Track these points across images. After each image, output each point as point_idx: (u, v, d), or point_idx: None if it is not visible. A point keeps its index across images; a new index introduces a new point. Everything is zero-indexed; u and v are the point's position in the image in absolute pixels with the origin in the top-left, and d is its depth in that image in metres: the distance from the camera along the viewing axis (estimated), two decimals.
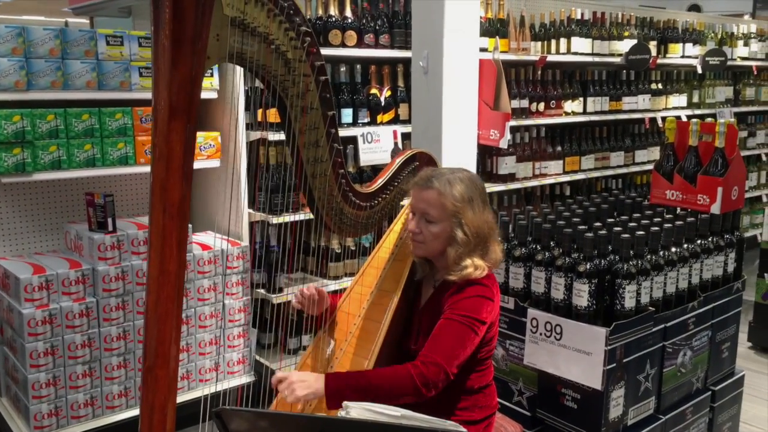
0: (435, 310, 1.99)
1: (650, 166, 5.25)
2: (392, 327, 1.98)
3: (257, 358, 3.54)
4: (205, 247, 3.26)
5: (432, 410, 1.98)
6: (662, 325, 2.36)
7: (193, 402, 3.25)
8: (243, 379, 3.44)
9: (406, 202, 2.29)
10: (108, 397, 3.04)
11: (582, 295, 2.20)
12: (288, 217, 3.41)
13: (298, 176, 1.86)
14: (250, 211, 3.50)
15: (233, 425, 1.28)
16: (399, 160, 2.14)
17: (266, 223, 3.43)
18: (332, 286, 3.61)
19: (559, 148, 4.62)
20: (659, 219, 2.48)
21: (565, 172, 4.67)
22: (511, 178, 4.29)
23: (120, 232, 3.02)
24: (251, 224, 3.52)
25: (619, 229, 2.29)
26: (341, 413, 1.33)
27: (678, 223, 2.42)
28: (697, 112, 5.62)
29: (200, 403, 3.30)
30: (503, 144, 3.08)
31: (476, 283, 1.91)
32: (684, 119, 5.46)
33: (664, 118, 5.34)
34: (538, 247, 2.38)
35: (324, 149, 1.84)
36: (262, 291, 3.49)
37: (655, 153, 5.31)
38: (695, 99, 5.68)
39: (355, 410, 1.31)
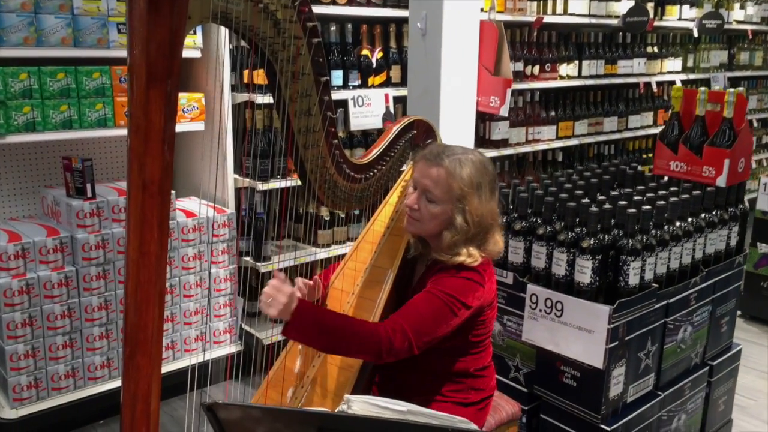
0: (424, 286, 1.90)
1: (643, 132, 5.19)
2: (387, 306, 1.88)
3: (244, 327, 3.45)
4: (189, 214, 3.14)
5: (429, 392, 1.92)
6: (665, 302, 2.29)
7: (179, 372, 3.17)
8: (230, 348, 3.36)
9: (404, 170, 2.19)
10: (90, 368, 2.95)
11: (585, 272, 2.12)
12: (276, 184, 3.29)
13: (289, 147, 1.74)
14: (236, 176, 3.37)
15: (226, 420, 1.19)
16: (396, 129, 2.02)
17: (253, 190, 3.31)
18: (322, 254, 3.51)
19: (552, 113, 4.51)
20: (664, 192, 2.39)
21: (558, 138, 4.56)
22: (503, 143, 4.18)
23: (99, 199, 2.88)
24: (237, 190, 3.39)
25: (624, 203, 2.20)
26: (342, 407, 1.24)
27: (684, 196, 2.33)
28: (692, 76, 5.52)
29: (186, 373, 3.24)
30: (504, 112, 2.96)
31: (467, 268, 1.81)
32: (678, 84, 5.37)
33: (659, 83, 5.24)
34: (539, 221, 2.28)
35: (316, 118, 1.72)
36: (249, 259, 3.38)
37: (648, 118, 5.22)
38: (690, 63, 5.57)
39: (357, 404, 1.22)
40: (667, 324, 2.32)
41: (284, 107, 1.66)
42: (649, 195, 2.31)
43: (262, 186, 3.25)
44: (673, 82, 5.36)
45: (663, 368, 2.36)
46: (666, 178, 2.68)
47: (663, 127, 2.60)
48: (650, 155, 5.45)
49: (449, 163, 1.79)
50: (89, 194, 2.86)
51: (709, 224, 2.42)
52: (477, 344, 1.92)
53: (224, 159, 3.28)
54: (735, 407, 2.99)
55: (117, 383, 3.00)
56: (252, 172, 3.28)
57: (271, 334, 3.39)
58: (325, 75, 1.69)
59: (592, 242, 2.10)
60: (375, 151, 1.97)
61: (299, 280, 1.92)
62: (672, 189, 2.43)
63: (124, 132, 3.06)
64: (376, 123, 3.54)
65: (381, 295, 1.88)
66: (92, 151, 3.29)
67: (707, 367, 2.59)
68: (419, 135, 2.06)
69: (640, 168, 2.75)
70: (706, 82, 5.65)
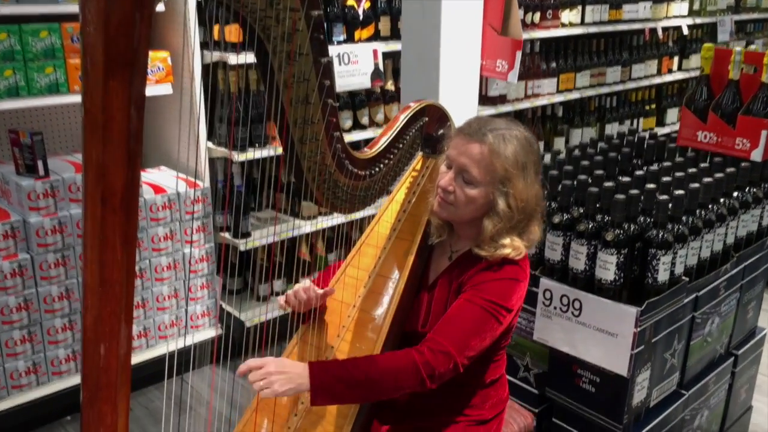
0: (450, 287, 1.64)
1: (647, 82, 4.88)
2: (396, 320, 1.61)
3: (225, 307, 3.18)
4: (158, 189, 2.82)
5: (439, 410, 1.68)
6: (693, 295, 2.04)
7: (154, 361, 2.92)
8: (208, 332, 3.10)
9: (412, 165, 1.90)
10: (54, 363, 2.68)
11: (608, 268, 1.85)
12: (255, 153, 2.96)
13: (283, 142, 1.44)
14: (210, 145, 3.04)
15: None
16: (404, 116, 1.71)
17: (229, 161, 2.99)
18: (307, 227, 3.22)
19: (553, 65, 4.17)
20: (694, 170, 2.11)
21: (558, 92, 4.24)
22: (501, 100, 3.86)
23: (54, 177, 2.56)
24: (212, 160, 3.07)
25: (652, 186, 1.91)
26: None
27: (718, 175, 2.06)
28: (698, 20, 5.17)
29: (161, 362, 2.98)
30: (512, 78, 2.63)
31: (511, 262, 1.57)
32: (685, 30, 5.02)
33: (664, 29, 4.90)
34: (555, 206, 2.00)
35: (315, 107, 1.43)
36: (227, 235, 3.09)
37: (652, 67, 4.90)
38: (696, 6, 5.21)
39: None
40: (695, 319, 2.08)
41: (278, 94, 1.37)
42: (678, 174, 2.03)
43: (239, 157, 2.93)
44: (679, 28, 5.02)
45: (688, 366, 2.13)
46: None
47: (668, 76, 2.28)
48: (653, 106, 5.16)
49: (493, 140, 1.52)
50: (41, 172, 2.54)
51: (743, 204, 2.15)
52: (498, 351, 1.69)
53: (196, 126, 2.95)
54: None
55: None
56: (228, 141, 2.95)
57: (253, 315, 3.14)
58: (325, 55, 1.41)
59: (617, 234, 1.83)
60: (381, 142, 1.67)
61: (299, 289, 1.65)
62: (702, 165, 2.14)
63: (79, 98, 2.73)
64: (364, 82, 3.20)
65: (387, 310, 1.60)
66: (44, 121, 2.93)
67: (732, 358, 2.36)
68: (431, 123, 1.77)
69: (660, 135, 2.46)
70: (713, 27, 5.31)
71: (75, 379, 2.73)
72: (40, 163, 2.52)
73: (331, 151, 1.54)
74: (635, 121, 4.99)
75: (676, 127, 5.40)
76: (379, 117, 3.40)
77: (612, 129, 4.78)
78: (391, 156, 1.73)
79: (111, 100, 1.01)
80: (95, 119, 1.02)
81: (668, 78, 5.06)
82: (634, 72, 4.77)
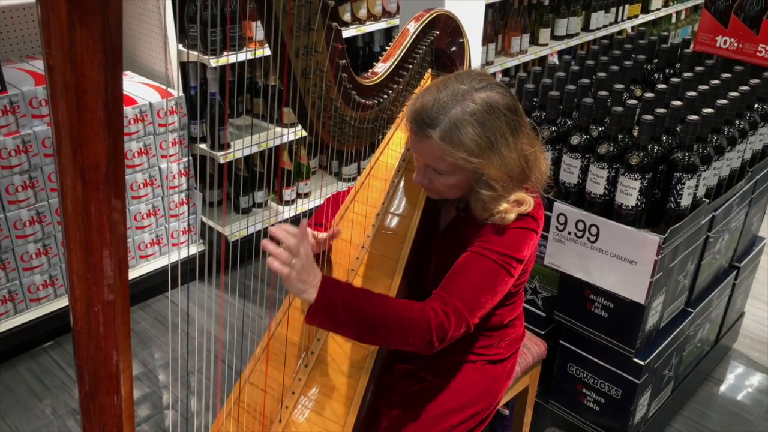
0: (458, 238, 1.52)
1: None
2: (409, 265, 1.50)
3: (205, 221, 3.03)
4: (129, 100, 2.58)
5: (454, 350, 1.61)
6: (711, 215, 1.97)
7: (136, 282, 2.80)
8: (191, 249, 2.97)
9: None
10: (30, 289, 2.54)
11: (631, 193, 1.75)
12: (229, 58, 2.71)
13: (285, 77, 1.26)
14: (181, 47, 2.77)
15: None
16: (413, 30, 1.52)
17: (204, 66, 2.73)
18: (289, 135, 3.03)
19: None
20: (717, 81, 1.97)
21: None
22: None
23: (12, 91, 2.30)
24: (183, 65, 2.81)
25: (678, 104, 1.78)
26: None
27: (743, 88, 1.93)
28: None
29: (143, 282, 2.87)
30: None
31: (522, 215, 1.43)
32: None
33: None
34: (571, 124, 1.87)
35: (319, 34, 1.24)
36: (204, 146, 2.88)
37: None
38: None
39: None
40: (709, 238, 2.02)
41: (277, 24, 1.17)
42: (702, 88, 1.89)
43: (214, 62, 2.67)
44: None
45: (697, 284, 2.10)
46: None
47: None
48: None
49: (442, 134, 1.33)
50: None
51: (763, 117, 2.05)
52: (515, 294, 1.60)
53: (163, 27, 2.67)
54: None
55: (65, 302, 2.61)
56: (200, 43, 2.68)
57: (236, 229, 3.00)
58: None
59: (642, 158, 1.71)
60: (388, 63, 1.48)
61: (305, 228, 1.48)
62: (724, 76, 2.01)
63: None
64: None
65: (401, 253, 1.48)
66: None
67: (735, 271, 2.34)
68: (442, 36, 1.57)
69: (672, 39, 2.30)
70: None
71: (54, 305, 2.60)
72: None
73: (336, 82, 1.36)
74: (620, 9, 4.78)
75: (661, 14, 5.22)
76: (362, 12, 3.13)
77: (598, 17, 4.57)
78: (400, 79, 1.56)
79: (80, 53, 0.82)
80: (64, 78, 0.82)
81: None
82: None
